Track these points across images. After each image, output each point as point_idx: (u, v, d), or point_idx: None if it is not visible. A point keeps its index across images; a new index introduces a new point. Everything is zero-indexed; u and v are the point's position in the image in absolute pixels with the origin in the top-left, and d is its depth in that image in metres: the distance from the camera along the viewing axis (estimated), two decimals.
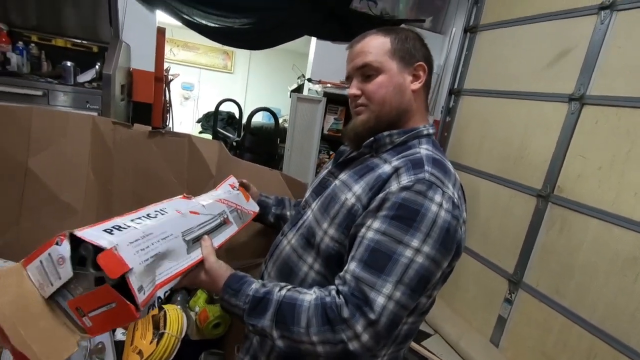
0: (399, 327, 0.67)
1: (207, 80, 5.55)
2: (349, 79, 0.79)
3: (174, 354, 0.94)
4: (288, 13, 2.60)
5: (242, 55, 5.53)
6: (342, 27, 2.66)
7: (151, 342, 0.94)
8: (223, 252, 1.29)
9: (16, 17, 2.03)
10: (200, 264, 0.68)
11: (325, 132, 2.79)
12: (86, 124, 1.36)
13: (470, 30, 2.58)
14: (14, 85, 1.81)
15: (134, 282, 0.51)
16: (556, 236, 1.84)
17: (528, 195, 2.00)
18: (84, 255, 0.51)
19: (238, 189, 0.98)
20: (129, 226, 0.57)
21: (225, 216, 0.84)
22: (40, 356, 0.46)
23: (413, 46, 0.76)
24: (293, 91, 3.33)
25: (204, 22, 2.40)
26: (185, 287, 0.69)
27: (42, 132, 1.31)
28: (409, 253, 0.61)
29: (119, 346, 1.01)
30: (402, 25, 2.83)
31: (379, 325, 0.59)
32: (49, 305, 0.51)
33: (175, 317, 0.99)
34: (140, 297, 0.52)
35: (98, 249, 0.50)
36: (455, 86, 2.68)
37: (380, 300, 0.59)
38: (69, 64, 1.97)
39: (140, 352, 0.93)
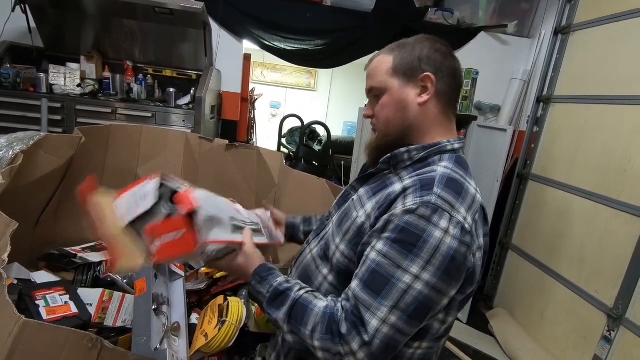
0: (399, 350, 0.66)
1: (292, 99, 5.96)
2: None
3: (233, 340, 1.04)
4: (362, 31, 2.70)
5: (324, 73, 5.80)
6: None
7: (215, 327, 1.07)
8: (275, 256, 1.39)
9: (139, 55, 2.56)
10: (239, 248, 0.77)
11: None
12: (180, 139, 1.62)
13: (562, 31, 2.34)
14: (134, 109, 2.27)
15: (198, 220, 0.64)
16: None
17: (633, 216, 1.72)
18: (162, 194, 0.68)
19: (270, 218, 1.08)
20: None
21: (259, 227, 0.94)
22: (119, 257, 0.66)
23: (418, 58, 0.73)
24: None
25: (282, 46, 2.64)
26: (227, 273, 0.80)
27: (149, 145, 1.60)
28: (407, 279, 0.60)
29: (192, 328, 1.16)
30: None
31: (373, 347, 0.60)
32: (128, 230, 0.69)
33: (237, 309, 1.11)
34: (200, 236, 0.65)
35: (174, 192, 0.67)
36: (544, 93, 2.44)
37: (374, 322, 0.60)
38: (171, 90, 2.38)
39: (205, 335, 1.07)
